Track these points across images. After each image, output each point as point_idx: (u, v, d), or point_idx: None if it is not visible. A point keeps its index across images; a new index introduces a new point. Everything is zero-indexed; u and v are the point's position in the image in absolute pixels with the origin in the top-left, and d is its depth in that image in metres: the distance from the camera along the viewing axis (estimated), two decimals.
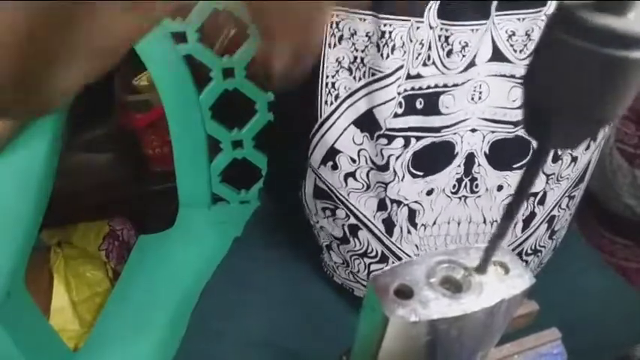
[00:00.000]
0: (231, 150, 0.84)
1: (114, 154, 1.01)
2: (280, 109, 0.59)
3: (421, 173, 0.44)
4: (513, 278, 0.22)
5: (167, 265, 0.77)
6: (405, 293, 0.21)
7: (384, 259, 0.48)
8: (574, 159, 0.46)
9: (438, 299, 0.21)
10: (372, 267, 0.49)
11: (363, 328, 0.24)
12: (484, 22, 0.40)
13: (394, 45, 0.40)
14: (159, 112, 0.91)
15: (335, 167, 0.46)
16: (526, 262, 0.50)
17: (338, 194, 0.47)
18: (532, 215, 0.47)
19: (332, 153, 0.45)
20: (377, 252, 0.48)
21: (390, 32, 0.40)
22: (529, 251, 0.49)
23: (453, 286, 0.22)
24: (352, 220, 0.47)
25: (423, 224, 0.46)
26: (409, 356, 0.22)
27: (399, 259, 0.47)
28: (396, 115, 0.42)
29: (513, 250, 0.48)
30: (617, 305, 0.52)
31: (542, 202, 0.47)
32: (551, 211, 0.48)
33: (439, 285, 0.22)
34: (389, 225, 0.46)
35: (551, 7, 0.41)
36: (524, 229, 0.47)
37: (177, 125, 0.80)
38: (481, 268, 0.22)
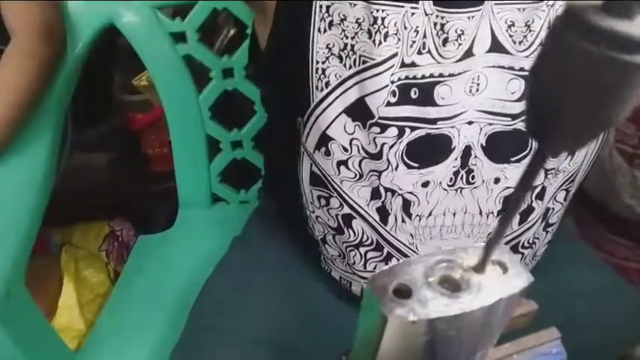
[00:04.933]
0: (230, 150, 0.84)
1: (114, 154, 1.01)
2: (269, 100, 0.58)
3: (416, 165, 0.43)
4: (511, 277, 0.22)
5: (167, 265, 0.77)
6: (403, 293, 0.21)
7: (379, 247, 0.48)
8: (571, 152, 0.45)
9: (436, 298, 0.21)
10: (369, 255, 0.49)
11: (362, 327, 0.24)
12: (479, 8, 0.40)
13: (387, 32, 0.40)
14: (159, 112, 0.91)
15: (328, 153, 0.45)
16: (522, 254, 0.50)
17: (332, 181, 0.47)
18: (530, 209, 0.47)
19: (324, 139, 0.45)
20: (372, 240, 0.48)
21: (383, 19, 0.40)
22: (525, 244, 0.49)
23: (452, 286, 0.22)
24: (346, 210, 0.47)
25: (417, 215, 0.45)
26: (408, 356, 0.22)
27: (394, 247, 0.47)
28: (389, 104, 0.42)
29: (508, 242, 0.48)
30: (616, 305, 0.52)
31: (540, 196, 0.47)
32: (547, 204, 0.48)
33: (438, 284, 0.22)
34: (383, 214, 0.46)
35: (555, 5, 0.40)
36: (521, 222, 0.47)
37: (176, 125, 0.80)
38: (479, 268, 0.22)
